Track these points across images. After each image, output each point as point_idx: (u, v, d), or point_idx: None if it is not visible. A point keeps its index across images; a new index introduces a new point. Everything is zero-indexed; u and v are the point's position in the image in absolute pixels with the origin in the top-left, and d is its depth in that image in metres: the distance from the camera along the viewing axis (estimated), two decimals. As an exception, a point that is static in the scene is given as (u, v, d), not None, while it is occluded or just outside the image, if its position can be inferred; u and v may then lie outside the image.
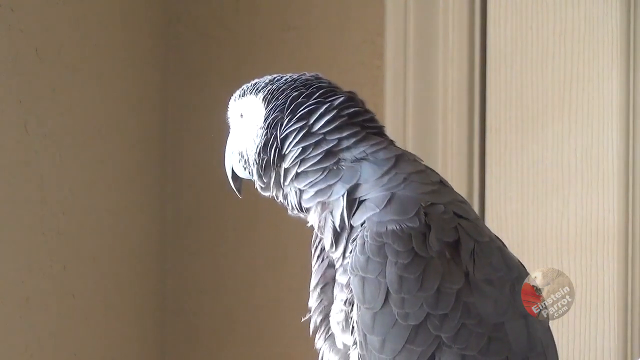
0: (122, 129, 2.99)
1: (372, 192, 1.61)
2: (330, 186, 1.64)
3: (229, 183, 1.81)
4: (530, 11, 2.83)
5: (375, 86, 3.02)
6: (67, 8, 2.71)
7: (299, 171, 1.66)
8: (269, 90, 1.71)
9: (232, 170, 1.79)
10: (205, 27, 3.21)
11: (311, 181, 1.65)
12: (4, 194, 2.48)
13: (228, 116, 1.80)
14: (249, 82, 1.77)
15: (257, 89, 1.74)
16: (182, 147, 3.23)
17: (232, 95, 1.80)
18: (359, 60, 3.05)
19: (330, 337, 1.69)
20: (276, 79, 1.73)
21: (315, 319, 1.70)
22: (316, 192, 1.65)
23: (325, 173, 1.64)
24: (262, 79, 1.75)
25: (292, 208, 1.71)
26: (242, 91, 1.77)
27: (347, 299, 1.60)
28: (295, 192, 1.68)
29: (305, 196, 1.67)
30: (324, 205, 1.65)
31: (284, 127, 1.68)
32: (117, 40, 2.96)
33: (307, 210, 1.68)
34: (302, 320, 1.72)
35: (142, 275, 3.11)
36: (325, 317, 1.69)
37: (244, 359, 3.21)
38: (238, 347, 3.21)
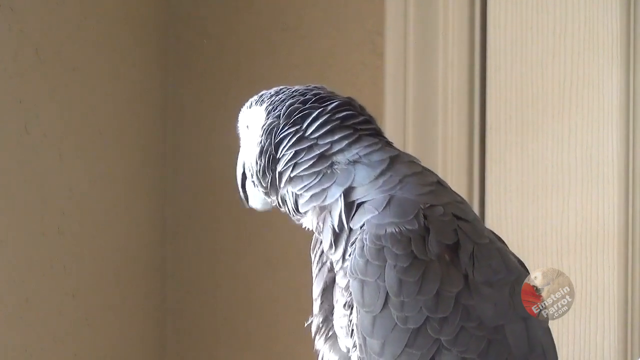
0: (122, 129, 2.99)
1: (369, 195, 1.61)
2: (324, 190, 1.65)
3: (239, 193, 1.82)
4: (530, 11, 2.83)
5: (375, 86, 3.02)
6: (67, 8, 2.71)
7: (292, 175, 1.67)
8: (272, 101, 1.73)
9: (241, 180, 1.80)
10: (205, 27, 3.21)
11: (305, 185, 1.66)
12: (4, 194, 2.48)
13: (238, 128, 1.82)
14: (256, 94, 1.79)
15: (263, 100, 1.75)
16: (182, 147, 3.23)
17: (240, 104, 1.82)
18: (359, 60, 3.05)
19: (330, 338, 1.69)
20: (282, 90, 1.75)
21: (317, 321, 1.70)
22: (311, 196, 1.66)
23: (319, 177, 1.65)
24: (268, 91, 1.77)
25: (291, 212, 1.72)
26: (250, 103, 1.78)
27: (346, 302, 1.60)
28: (292, 195, 1.69)
29: (301, 200, 1.67)
30: (321, 207, 1.65)
31: (279, 132, 1.69)
32: (117, 40, 2.96)
33: (305, 213, 1.69)
34: (306, 325, 1.72)
35: (142, 275, 3.11)
36: (326, 319, 1.69)
37: (243, 359, 3.21)
38: (238, 347, 3.21)
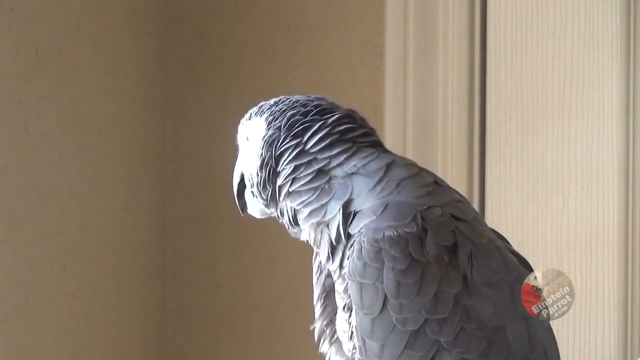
0: (122, 129, 2.99)
1: (367, 203, 1.60)
2: (323, 205, 1.64)
3: (235, 202, 1.81)
4: (530, 11, 2.83)
5: (375, 86, 3.02)
6: (67, 8, 2.71)
7: (290, 190, 1.67)
8: (271, 112, 1.72)
9: (237, 190, 1.79)
10: (205, 27, 3.21)
11: (304, 200, 1.65)
12: (4, 194, 2.48)
13: (237, 139, 1.81)
14: (256, 105, 1.78)
15: (262, 111, 1.74)
16: (182, 147, 3.23)
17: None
18: (359, 60, 3.05)
19: (336, 342, 1.70)
20: (281, 100, 1.74)
21: (320, 324, 1.71)
22: (310, 212, 1.65)
23: (317, 192, 1.65)
24: (268, 102, 1.76)
25: (288, 225, 1.71)
26: (249, 114, 1.77)
27: (345, 305, 1.61)
28: (290, 210, 1.68)
29: (300, 216, 1.67)
30: (319, 222, 1.65)
31: (280, 145, 1.68)
32: (117, 40, 2.96)
33: (303, 227, 1.69)
34: (311, 328, 1.72)
35: (142, 275, 3.11)
36: (330, 322, 1.70)
37: (243, 359, 3.21)
38: (238, 347, 3.21)
